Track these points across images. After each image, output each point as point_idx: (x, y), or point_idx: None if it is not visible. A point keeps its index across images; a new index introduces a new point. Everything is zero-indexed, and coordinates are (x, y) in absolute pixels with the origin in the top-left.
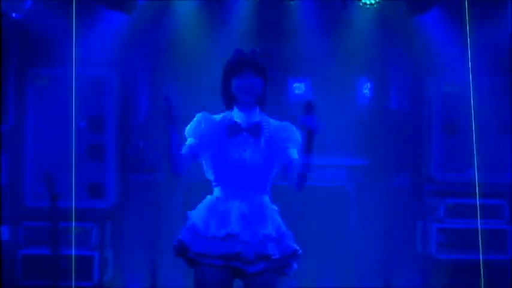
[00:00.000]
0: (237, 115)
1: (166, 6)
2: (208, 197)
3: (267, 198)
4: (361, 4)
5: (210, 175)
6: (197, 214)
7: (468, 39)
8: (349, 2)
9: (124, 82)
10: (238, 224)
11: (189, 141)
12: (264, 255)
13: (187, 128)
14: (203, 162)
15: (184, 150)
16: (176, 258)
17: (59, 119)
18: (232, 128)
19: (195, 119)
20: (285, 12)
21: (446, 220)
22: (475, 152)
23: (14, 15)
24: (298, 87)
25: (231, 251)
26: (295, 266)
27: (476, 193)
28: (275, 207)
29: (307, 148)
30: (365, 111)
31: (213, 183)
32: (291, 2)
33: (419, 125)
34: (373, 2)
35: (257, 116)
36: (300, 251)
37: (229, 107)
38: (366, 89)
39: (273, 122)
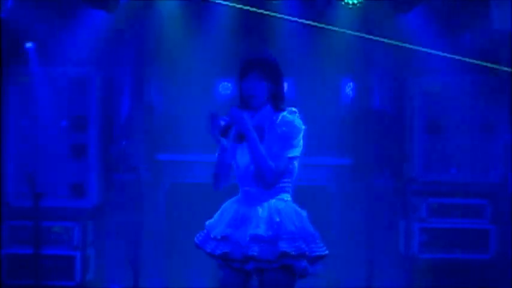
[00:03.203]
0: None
1: (148, 5)
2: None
3: (274, 197)
4: (343, 3)
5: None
6: (215, 215)
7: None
8: (332, 2)
9: (106, 81)
10: (231, 225)
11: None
12: (250, 256)
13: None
14: None
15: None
16: (157, 258)
17: (42, 118)
18: (237, 133)
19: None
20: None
21: (428, 219)
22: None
23: None
24: None
25: (221, 251)
26: (308, 269)
27: (458, 193)
28: (281, 206)
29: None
30: (348, 111)
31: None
32: (274, 2)
33: (402, 125)
34: (355, 1)
35: (262, 117)
36: (300, 253)
37: (244, 108)
38: (349, 88)
39: (279, 119)
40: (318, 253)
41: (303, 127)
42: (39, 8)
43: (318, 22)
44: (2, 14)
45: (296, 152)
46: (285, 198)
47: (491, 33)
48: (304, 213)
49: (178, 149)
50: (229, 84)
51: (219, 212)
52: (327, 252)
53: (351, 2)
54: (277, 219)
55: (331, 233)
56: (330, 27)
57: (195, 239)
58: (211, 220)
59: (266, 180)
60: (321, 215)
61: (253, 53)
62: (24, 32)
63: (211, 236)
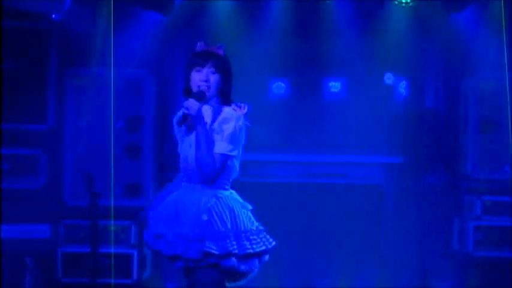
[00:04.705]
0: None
1: (203, 6)
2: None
3: (210, 193)
4: (396, 3)
5: None
6: (152, 211)
7: (504, 36)
8: (385, 1)
9: (161, 82)
10: (164, 222)
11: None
12: (177, 255)
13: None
14: None
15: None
16: None
17: (98, 119)
18: (188, 125)
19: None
20: (321, 12)
21: (482, 217)
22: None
23: (53, 16)
24: (334, 86)
25: (157, 248)
26: (236, 266)
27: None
28: (213, 201)
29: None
30: (401, 110)
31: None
32: (327, 1)
33: (455, 123)
34: (408, 0)
35: (209, 109)
36: (226, 252)
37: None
38: (402, 87)
39: (223, 114)
40: (249, 251)
41: (242, 124)
42: (96, 9)
43: (370, 22)
44: (58, 16)
45: (235, 149)
46: (219, 195)
47: None
48: (245, 209)
49: None
50: (283, 84)
51: (155, 206)
52: (263, 248)
53: (403, 1)
54: (205, 218)
55: (384, 231)
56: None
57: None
58: (150, 217)
59: (205, 176)
60: (374, 213)
61: (207, 46)
62: (80, 34)
63: (151, 233)
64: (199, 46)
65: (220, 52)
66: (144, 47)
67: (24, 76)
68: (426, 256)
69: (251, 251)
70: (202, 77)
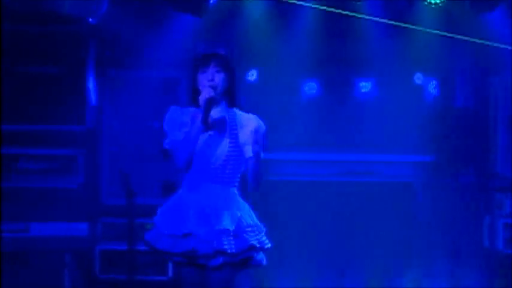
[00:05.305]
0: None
1: (236, 7)
2: (178, 191)
3: (232, 192)
4: (426, 3)
5: (179, 165)
6: (161, 211)
7: None
8: (415, 1)
9: None
10: (195, 221)
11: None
12: (221, 250)
13: (167, 123)
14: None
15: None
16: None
17: (134, 119)
18: (205, 121)
19: (169, 113)
20: (351, 12)
21: None
22: None
23: (90, 19)
24: (365, 86)
25: (187, 248)
26: (263, 261)
27: None
28: (240, 199)
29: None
30: (432, 109)
31: (181, 176)
32: (357, 3)
33: (485, 121)
34: (438, 1)
35: (223, 111)
36: (262, 246)
37: (195, 102)
38: (432, 86)
39: (240, 116)
40: (268, 245)
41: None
42: (131, 12)
43: (400, 22)
44: (94, 19)
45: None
46: (237, 192)
47: None
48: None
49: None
50: (314, 84)
51: (167, 207)
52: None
53: (433, 2)
54: (239, 214)
55: (414, 228)
56: (413, 26)
57: (145, 235)
58: (160, 216)
59: (259, 183)
60: (405, 210)
61: (210, 48)
62: (115, 36)
63: (166, 232)
64: (202, 48)
65: (223, 51)
66: (179, 48)
67: (63, 79)
68: (456, 254)
69: (269, 245)
70: (208, 77)
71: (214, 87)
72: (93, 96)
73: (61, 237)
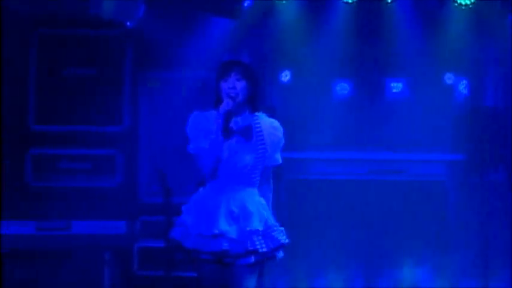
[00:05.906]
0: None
1: (270, 8)
2: (200, 190)
3: (254, 193)
4: (456, 5)
5: (204, 171)
6: (187, 210)
7: None
8: (445, 2)
9: None
10: (226, 222)
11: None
12: (253, 250)
13: (191, 129)
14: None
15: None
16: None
17: (171, 119)
18: (225, 130)
19: (192, 118)
20: (382, 13)
21: None
22: None
23: (128, 23)
24: (396, 86)
25: (219, 248)
26: (281, 254)
27: None
28: (263, 201)
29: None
30: (462, 108)
31: (206, 180)
32: (389, 3)
33: None
34: (468, 2)
35: (247, 118)
36: (287, 242)
37: (218, 109)
38: (463, 86)
39: (265, 123)
40: (284, 241)
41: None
42: (167, 16)
43: (431, 22)
44: (132, 23)
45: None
46: (256, 193)
47: None
48: None
49: (295, 146)
50: (346, 85)
51: (193, 206)
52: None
53: (463, 3)
54: (265, 214)
55: (446, 227)
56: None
57: (172, 233)
58: (187, 216)
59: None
60: (437, 209)
61: (232, 56)
62: (152, 39)
63: (194, 232)
64: (224, 57)
65: (244, 60)
66: (214, 49)
67: (102, 81)
68: (488, 253)
69: (285, 241)
70: (229, 85)
71: (235, 96)
72: (131, 98)
73: (101, 235)
